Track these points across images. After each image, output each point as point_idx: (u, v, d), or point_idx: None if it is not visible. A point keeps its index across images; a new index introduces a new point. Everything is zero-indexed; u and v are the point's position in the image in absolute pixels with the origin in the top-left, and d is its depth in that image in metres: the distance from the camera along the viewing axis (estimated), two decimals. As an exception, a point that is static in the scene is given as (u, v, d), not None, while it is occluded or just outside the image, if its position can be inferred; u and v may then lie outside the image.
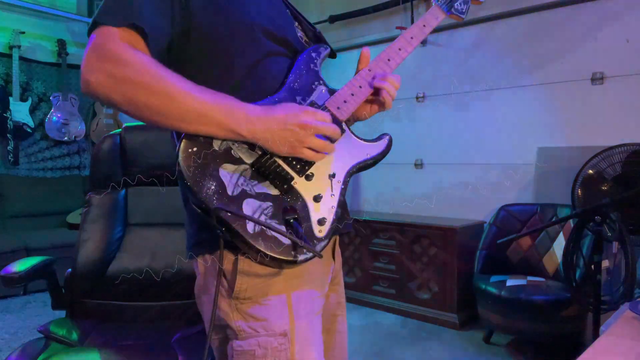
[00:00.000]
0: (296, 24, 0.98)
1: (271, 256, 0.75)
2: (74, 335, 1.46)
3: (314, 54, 0.92)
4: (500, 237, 2.64)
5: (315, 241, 0.80)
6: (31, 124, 4.21)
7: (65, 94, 4.35)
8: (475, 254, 2.89)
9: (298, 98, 0.86)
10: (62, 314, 1.67)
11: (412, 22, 3.61)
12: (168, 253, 1.70)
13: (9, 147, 4.11)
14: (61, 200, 4.30)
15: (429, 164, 3.65)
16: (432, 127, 3.60)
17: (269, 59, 0.87)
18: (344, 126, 0.89)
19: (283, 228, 0.77)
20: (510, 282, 2.57)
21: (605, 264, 1.80)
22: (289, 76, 0.88)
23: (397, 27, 3.67)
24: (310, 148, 0.79)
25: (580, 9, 2.91)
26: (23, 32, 4.14)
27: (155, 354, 1.39)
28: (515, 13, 3.14)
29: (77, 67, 4.51)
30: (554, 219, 2.75)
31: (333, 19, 4.12)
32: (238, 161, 0.78)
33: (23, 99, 4.17)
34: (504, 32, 3.22)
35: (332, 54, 0.96)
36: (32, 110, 4.24)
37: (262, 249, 0.74)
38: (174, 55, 0.84)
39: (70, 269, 1.68)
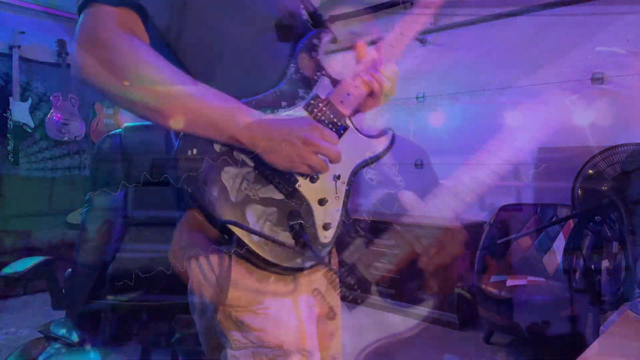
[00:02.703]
0: (302, 6, 0.91)
1: (275, 264, 0.73)
2: (74, 335, 1.47)
3: (315, 41, 0.86)
4: (500, 237, 2.64)
5: (320, 247, 0.77)
6: (31, 124, 4.20)
7: (65, 94, 4.34)
8: (475, 254, 2.89)
9: (300, 91, 0.81)
10: (62, 314, 1.67)
11: (412, 22, 3.60)
12: (168, 253, 1.69)
13: (9, 147, 4.10)
14: (61, 200, 4.30)
15: (429, 164, 3.65)
16: (432, 127, 3.60)
17: (268, 45, 0.82)
18: (348, 121, 0.85)
19: (288, 234, 0.74)
20: (510, 282, 2.57)
21: (605, 264, 1.80)
22: (290, 66, 0.82)
23: (397, 27, 3.66)
24: (308, 165, 0.75)
25: (580, 9, 2.90)
26: (23, 32, 4.14)
27: (155, 354, 1.39)
28: (515, 13, 3.13)
29: (77, 67, 4.50)
30: (554, 219, 2.75)
31: (333, 19, 4.11)
32: (240, 164, 0.74)
33: (23, 99, 4.16)
34: (504, 32, 3.21)
35: (334, 39, 0.91)
36: (32, 110, 4.23)
37: (267, 257, 0.72)
38: (169, 35, 0.76)
39: (70, 269, 1.68)
